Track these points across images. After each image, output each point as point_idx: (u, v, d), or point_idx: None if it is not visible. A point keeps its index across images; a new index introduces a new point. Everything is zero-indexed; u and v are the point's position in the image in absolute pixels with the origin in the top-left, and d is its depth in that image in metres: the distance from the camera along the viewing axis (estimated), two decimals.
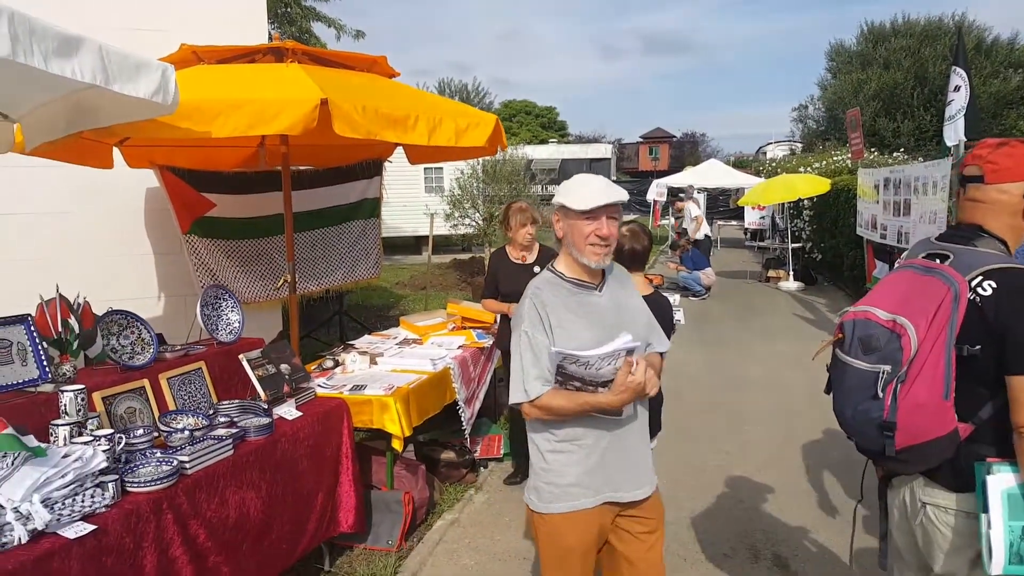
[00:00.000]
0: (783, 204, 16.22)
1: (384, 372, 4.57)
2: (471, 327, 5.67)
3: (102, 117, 3.48)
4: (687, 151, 62.40)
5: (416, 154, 6.44)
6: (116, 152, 5.15)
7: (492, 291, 4.89)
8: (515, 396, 2.34)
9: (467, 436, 4.91)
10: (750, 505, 4.57)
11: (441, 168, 18.84)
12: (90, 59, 2.88)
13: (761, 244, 19.12)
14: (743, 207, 20.12)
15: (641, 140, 65.76)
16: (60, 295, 3.09)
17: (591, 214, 2.30)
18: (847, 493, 4.65)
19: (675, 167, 45.78)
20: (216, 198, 5.83)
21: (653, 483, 2.51)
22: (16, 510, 2.26)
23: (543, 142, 43.32)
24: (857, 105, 22.77)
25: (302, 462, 3.45)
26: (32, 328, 2.98)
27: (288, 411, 3.51)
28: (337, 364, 4.71)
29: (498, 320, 5.79)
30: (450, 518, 4.37)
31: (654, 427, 3.14)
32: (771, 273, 15.19)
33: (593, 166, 38.21)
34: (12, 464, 2.37)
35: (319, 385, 4.09)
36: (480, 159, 13.17)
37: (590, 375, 2.21)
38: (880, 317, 2.04)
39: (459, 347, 5.17)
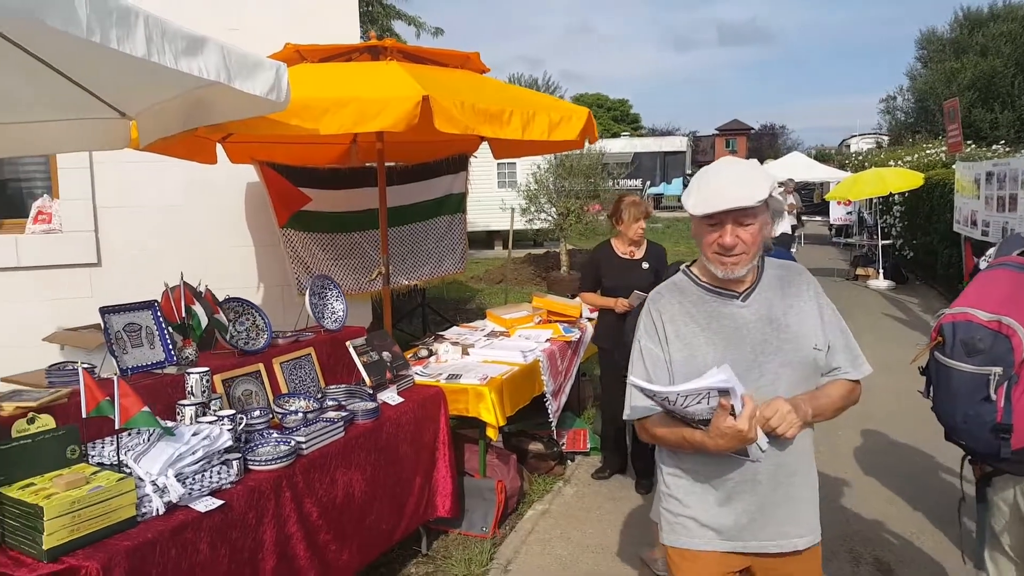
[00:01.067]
0: (871, 199, 15.67)
1: (476, 362, 4.66)
2: (557, 320, 5.70)
3: (217, 114, 3.65)
4: (766, 144, 60.88)
5: (501, 149, 6.52)
6: (219, 148, 5.40)
7: (591, 284, 4.81)
8: (624, 411, 2.07)
9: (554, 429, 4.94)
10: (846, 508, 4.45)
11: (514, 163, 18.95)
12: (214, 58, 3.03)
13: (848, 240, 18.50)
14: (827, 202, 19.52)
15: (717, 132, 64.49)
16: (184, 282, 3.27)
17: (711, 220, 1.90)
18: (945, 497, 4.48)
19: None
20: (311, 193, 6.03)
21: (806, 538, 2.03)
22: (154, 483, 2.43)
23: (615, 135, 42.94)
24: (950, 95, 21.74)
25: (403, 446, 3.56)
26: (159, 313, 3.18)
27: (391, 397, 3.63)
28: (431, 354, 4.82)
29: (583, 314, 5.81)
30: (541, 508, 4.43)
31: None
32: (859, 271, 14.69)
33: (667, 159, 37.68)
34: (149, 440, 2.54)
35: (416, 373, 4.21)
36: (556, 153, 13.18)
37: (679, 412, 1.82)
38: (981, 318, 2.04)
39: (547, 340, 5.21)
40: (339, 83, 4.21)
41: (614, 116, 57.55)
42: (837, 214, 20.30)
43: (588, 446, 5.34)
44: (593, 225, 14.14)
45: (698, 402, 1.77)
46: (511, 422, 4.68)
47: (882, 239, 14.50)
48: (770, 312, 1.98)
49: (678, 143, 40.86)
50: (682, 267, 2.13)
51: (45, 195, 6.26)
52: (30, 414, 2.49)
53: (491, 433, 4.15)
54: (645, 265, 4.67)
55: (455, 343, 4.99)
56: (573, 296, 6.90)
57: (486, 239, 20.61)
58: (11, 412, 2.59)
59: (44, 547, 2.14)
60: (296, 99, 3.50)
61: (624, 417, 2.09)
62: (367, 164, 6.37)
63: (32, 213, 6.14)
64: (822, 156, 35.06)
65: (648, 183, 35.56)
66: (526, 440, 5.04)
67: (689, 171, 41.23)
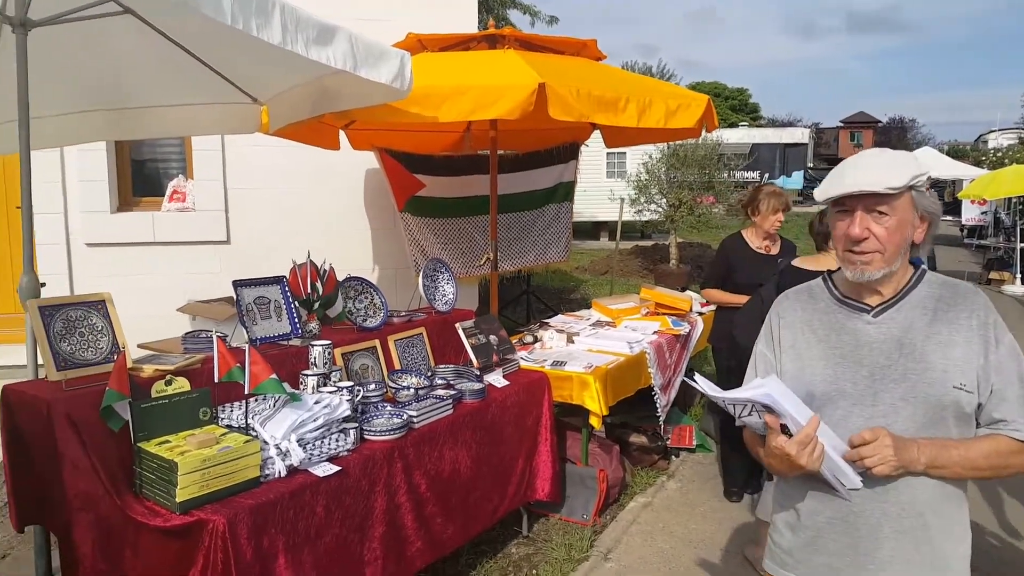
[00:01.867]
0: (1010, 198, 14.52)
1: (581, 351, 4.66)
2: (666, 313, 5.61)
3: (343, 101, 3.80)
4: (894, 138, 57.50)
5: (614, 137, 6.47)
6: (342, 135, 5.62)
7: (719, 280, 4.52)
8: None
9: (661, 423, 4.88)
10: (989, 531, 4.17)
11: (624, 153, 18.73)
12: (342, 47, 3.15)
13: (981, 242, 17.24)
14: (959, 201, 18.26)
15: (842, 125, 61.45)
16: (311, 261, 3.44)
17: (842, 207, 1.70)
18: None
19: None
20: (426, 179, 6.17)
21: None
22: (277, 447, 2.58)
23: (732, 125, 41.61)
24: None
25: (507, 428, 3.61)
26: (287, 289, 3.36)
27: (496, 379, 3.70)
28: (536, 340, 4.86)
29: (693, 308, 5.69)
30: (643, 501, 4.40)
31: None
32: (993, 275, 13.68)
33: (787, 151, 36.23)
34: (274, 406, 2.70)
35: (521, 358, 4.26)
36: (671, 143, 12.93)
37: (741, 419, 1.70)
38: None
39: (654, 332, 5.13)
40: (458, 71, 4.30)
41: (732, 105, 55.74)
42: (970, 214, 18.96)
43: (694, 442, 5.24)
44: (706, 218, 13.78)
45: (748, 413, 1.62)
46: (613, 413, 4.66)
47: (1021, 241, 13.44)
48: (905, 334, 1.69)
49: (799, 135, 39.16)
50: (826, 271, 1.92)
51: (180, 175, 6.72)
52: (168, 376, 2.70)
53: (594, 422, 4.14)
54: (781, 262, 4.31)
55: (560, 331, 5.00)
56: (683, 289, 6.78)
57: (592, 230, 20.51)
58: (150, 374, 2.79)
59: (177, 500, 2.31)
60: (417, 87, 3.60)
61: (738, 423, 1.89)
62: (479, 152, 6.48)
63: (168, 192, 6.60)
64: (955, 152, 32.81)
65: (766, 175, 34.38)
66: (629, 432, 5.01)
67: (810, 164, 39.51)
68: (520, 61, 4.25)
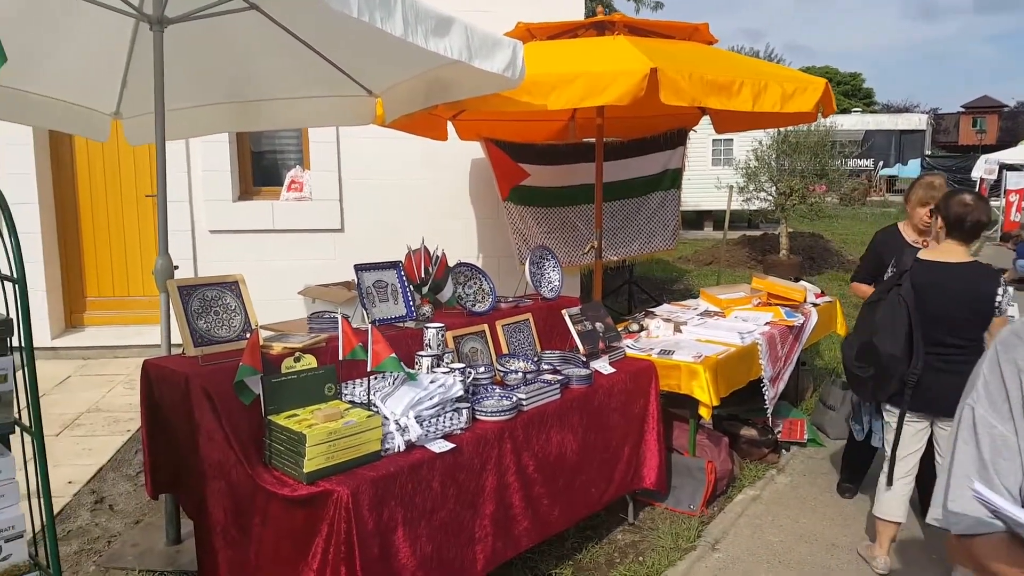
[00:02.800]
0: None
1: (690, 340, 4.58)
2: (778, 304, 5.43)
3: (456, 91, 3.87)
4: (1022, 124, 53.12)
5: (724, 122, 6.31)
6: (449, 125, 5.74)
7: (870, 274, 4.27)
8: (932, 510, 1.33)
9: (769, 416, 4.75)
10: None
11: (731, 140, 18.18)
12: (458, 37, 3.21)
13: None
14: None
15: (963, 110, 57.28)
16: (424, 247, 3.55)
17: None
18: None
19: (1006, 141, 39.22)
20: (529, 168, 6.21)
21: None
22: (396, 422, 2.68)
23: (845, 111, 39.66)
24: None
25: (613, 415, 3.61)
26: (402, 273, 3.49)
27: (603, 366, 3.71)
28: (641, 328, 4.83)
29: (808, 298, 5.49)
30: (751, 494, 4.31)
31: None
32: None
33: (903, 138, 34.30)
34: (393, 384, 2.81)
35: (627, 346, 4.24)
36: (783, 129, 12.47)
37: None
38: None
39: (766, 323, 4.99)
40: (567, 59, 4.31)
41: (844, 91, 53.08)
42: None
43: (806, 436, 5.08)
44: (818, 206, 13.22)
45: None
46: (721, 405, 4.57)
47: None
48: None
49: (916, 121, 36.95)
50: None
51: (297, 166, 7.05)
52: (296, 354, 2.85)
53: (704, 412, 4.07)
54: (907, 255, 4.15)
55: (667, 320, 4.94)
56: (796, 280, 6.55)
57: (696, 219, 20.04)
58: (279, 352, 2.96)
59: (304, 470, 2.43)
60: (527, 75, 3.62)
61: (931, 519, 1.36)
62: (582, 141, 6.46)
63: (286, 182, 6.94)
64: None
65: (881, 163, 32.65)
66: (737, 424, 4.90)
67: (928, 151, 37.23)
68: (630, 47, 4.22)
